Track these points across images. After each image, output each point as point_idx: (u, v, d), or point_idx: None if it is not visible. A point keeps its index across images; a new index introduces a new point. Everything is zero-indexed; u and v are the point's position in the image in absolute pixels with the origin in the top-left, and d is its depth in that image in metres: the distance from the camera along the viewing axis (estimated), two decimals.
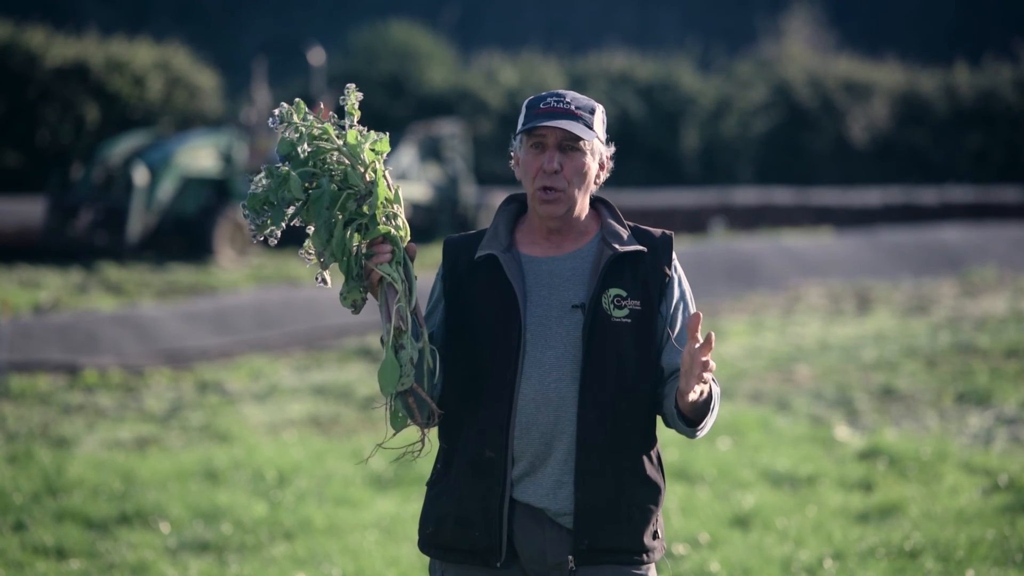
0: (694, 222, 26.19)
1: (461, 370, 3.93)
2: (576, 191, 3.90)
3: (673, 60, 37.04)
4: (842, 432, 10.26)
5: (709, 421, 3.89)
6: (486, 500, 3.88)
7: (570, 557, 3.87)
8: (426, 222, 23.17)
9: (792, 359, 13.47)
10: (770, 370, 12.96)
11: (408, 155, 23.17)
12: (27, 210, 22.21)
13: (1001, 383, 11.80)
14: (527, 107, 3.93)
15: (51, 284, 17.11)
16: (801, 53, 39.69)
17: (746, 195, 29.04)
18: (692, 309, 3.98)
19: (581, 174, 3.89)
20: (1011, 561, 7.05)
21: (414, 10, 45.81)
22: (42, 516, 8.09)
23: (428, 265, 20.00)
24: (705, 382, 3.74)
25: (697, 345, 3.71)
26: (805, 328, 15.53)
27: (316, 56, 24.42)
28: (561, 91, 3.95)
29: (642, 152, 33.56)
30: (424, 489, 4.08)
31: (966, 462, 9.20)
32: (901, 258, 20.82)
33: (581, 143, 3.88)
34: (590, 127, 3.89)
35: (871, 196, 29.47)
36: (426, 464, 9.20)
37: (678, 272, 3.97)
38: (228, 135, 20.91)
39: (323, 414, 11.42)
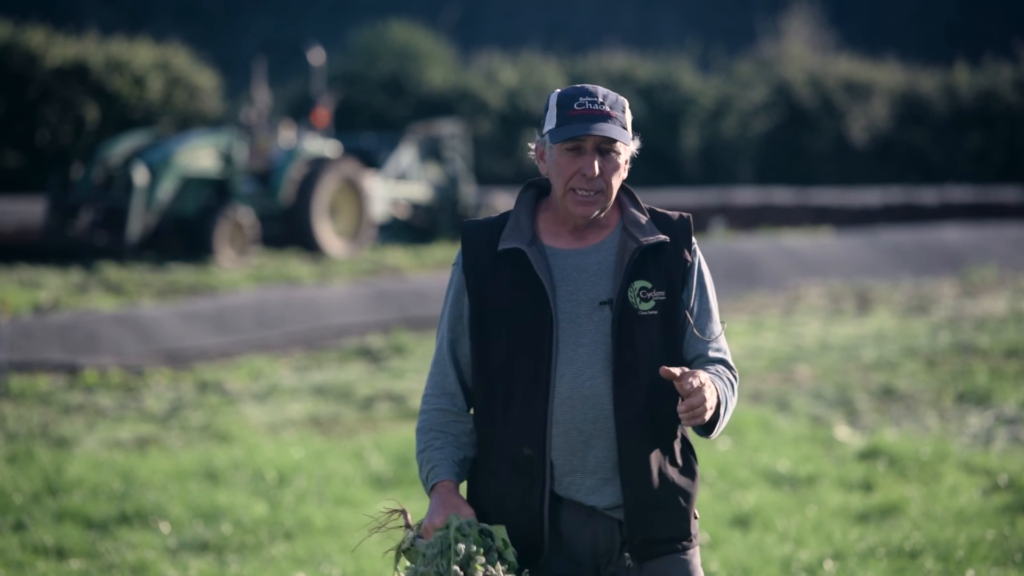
0: (694, 222, 26.14)
1: (492, 367, 3.92)
2: (612, 191, 3.93)
3: (673, 60, 37.02)
4: (842, 432, 10.26)
5: (721, 424, 3.93)
6: (526, 498, 3.89)
7: (626, 555, 3.89)
8: (426, 222, 23.18)
9: (792, 359, 13.47)
10: (770, 370, 12.96)
11: (408, 155, 23.17)
12: (27, 210, 22.20)
13: (1001, 383, 11.79)
14: (559, 106, 3.90)
15: (51, 284, 17.10)
16: (801, 53, 39.65)
17: (746, 195, 29.03)
18: (711, 291, 4.00)
19: (618, 175, 3.92)
20: (1011, 561, 7.05)
21: (414, 10, 45.79)
22: (42, 516, 8.09)
23: (429, 266, 20.00)
24: (701, 407, 3.79)
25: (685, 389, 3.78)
26: (805, 328, 15.53)
27: (316, 56, 24.41)
28: (590, 88, 3.92)
29: (642, 152, 33.19)
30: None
31: (966, 462, 9.20)
32: (901, 258, 20.81)
33: (618, 144, 3.89)
34: (624, 127, 3.90)
35: (871, 196, 29.46)
36: None
37: (697, 256, 4.00)
38: (228, 135, 20.91)
39: (323, 414, 11.42)
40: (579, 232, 3.95)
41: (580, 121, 3.85)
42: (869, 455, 9.42)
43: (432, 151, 23.86)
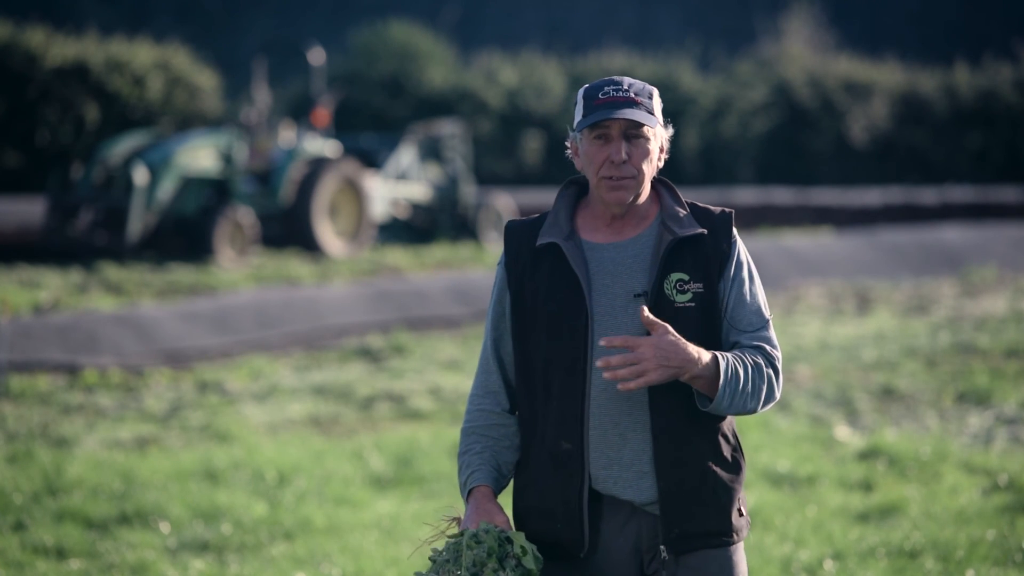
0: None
1: (532, 362, 3.93)
2: (643, 177, 3.91)
3: (673, 60, 37.04)
4: (842, 432, 10.26)
5: (727, 401, 3.87)
6: (566, 492, 3.89)
7: (662, 547, 3.88)
8: (426, 222, 23.18)
9: (792, 359, 13.47)
10: None
11: (408, 155, 23.17)
12: (27, 210, 22.20)
13: (1001, 383, 11.80)
14: (585, 98, 3.92)
15: (51, 284, 17.10)
16: (801, 53, 39.65)
17: (746, 195, 29.04)
18: (750, 283, 3.98)
19: (648, 160, 3.90)
20: (1011, 561, 7.05)
21: (414, 10, 45.80)
22: (42, 516, 8.09)
23: (428, 266, 19.99)
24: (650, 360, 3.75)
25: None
26: (805, 328, 15.53)
27: (316, 56, 24.41)
28: (616, 78, 3.93)
29: None
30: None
31: (966, 462, 9.20)
32: (901, 258, 20.82)
33: (645, 129, 3.88)
34: (651, 113, 3.89)
35: (871, 196, 29.47)
36: (426, 465, 9.19)
37: (736, 247, 3.99)
38: (228, 135, 20.91)
39: (323, 414, 11.42)
40: (617, 226, 3.96)
41: (605, 108, 3.87)
42: (869, 455, 9.42)
43: (432, 151, 23.86)
